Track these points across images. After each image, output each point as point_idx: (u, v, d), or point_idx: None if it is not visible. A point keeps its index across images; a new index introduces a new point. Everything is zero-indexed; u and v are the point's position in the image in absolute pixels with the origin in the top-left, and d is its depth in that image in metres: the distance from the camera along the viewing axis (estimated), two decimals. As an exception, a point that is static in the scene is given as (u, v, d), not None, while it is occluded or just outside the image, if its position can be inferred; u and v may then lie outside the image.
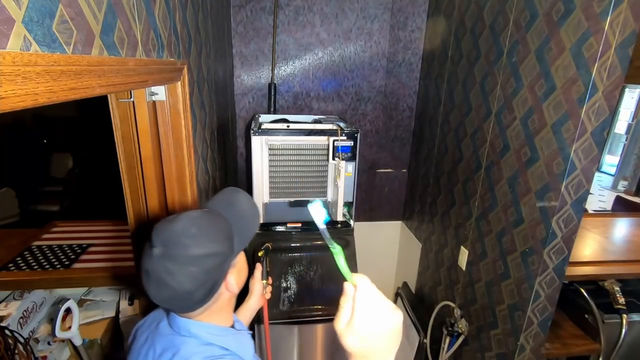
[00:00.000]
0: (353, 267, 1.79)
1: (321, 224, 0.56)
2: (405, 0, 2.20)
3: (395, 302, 2.55)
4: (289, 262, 1.66)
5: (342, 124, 1.81)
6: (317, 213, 0.58)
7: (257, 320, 1.18)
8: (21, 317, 1.61)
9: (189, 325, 0.73)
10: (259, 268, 1.08)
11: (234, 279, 0.74)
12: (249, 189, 1.68)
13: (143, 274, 0.67)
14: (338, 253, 0.54)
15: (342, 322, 0.50)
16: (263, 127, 1.73)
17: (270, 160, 1.71)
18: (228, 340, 0.75)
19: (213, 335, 0.74)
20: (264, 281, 1.11)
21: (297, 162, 1.71)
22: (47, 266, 1.69)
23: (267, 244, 1.29)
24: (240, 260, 0.78)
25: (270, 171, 1.72)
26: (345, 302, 0.51)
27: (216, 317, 0.76)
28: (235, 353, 0.74)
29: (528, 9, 1.29)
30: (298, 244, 1.71)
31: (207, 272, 0.67)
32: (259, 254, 1.23)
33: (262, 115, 2.09)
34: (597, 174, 4.37)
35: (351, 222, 1.77)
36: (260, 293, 1.07)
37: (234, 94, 2.24)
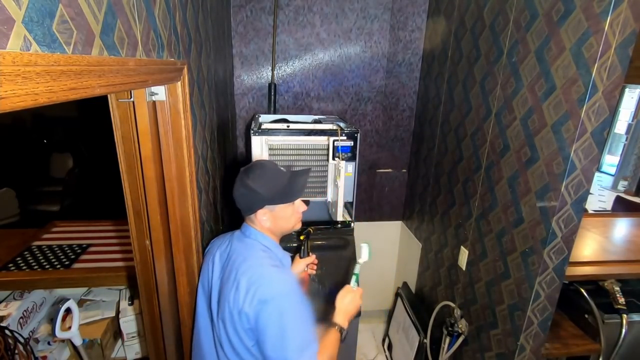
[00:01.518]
0: (353, 268, 1.79)
1: (360, 261, 1.26)
2: (405, 0, 2.20)
3: (395, 302, 2.55)
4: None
5: (342, 124, 1.81)
6: (365, 253, 1.28)
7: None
8: (21, 317, 1.61)
9: (256, 232, 1.12)
10: (298, 254, 1.40)
11: (267, 218, 1.09)
12: (249, 189, 1.67)
13: (234, 185, 1.10)
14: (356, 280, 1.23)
15: (349, 288, 1.20)
16: (263, 127, 1.73)
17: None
18: (276, 250, 1.14)
19: (268, 243, 1.12)
20: (302, 260, 1.39)
21: (297, 162, 1.71)
22: (47, 266, 1.69)
23: (308, 229, 1.47)
24: (282, 211, 1.11)
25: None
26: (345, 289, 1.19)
27: (268, 231, 1.13)
28: (281, 260, 1.13)
29: (528, 9, 1.29)
30: (298, 244, 1.70)
31: (245, 196, 1.07)
32: (301, 237, 1.44)
33: (262, 115, 2.09)
34: (597, 174, 4.37)
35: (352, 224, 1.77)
36: (299, 270, 1.38)
37: (234, 94, 2.24)
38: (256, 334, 0.96)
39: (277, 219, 1.12)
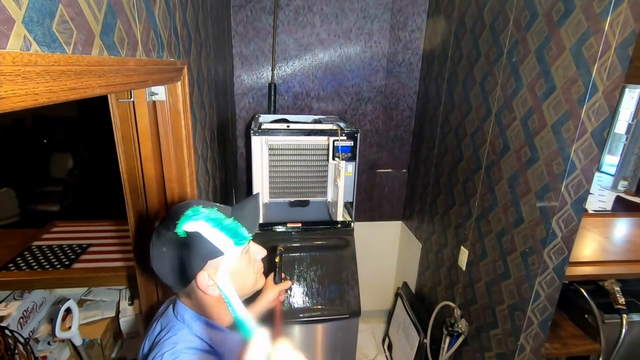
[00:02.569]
0: (353, 267, 1.79)
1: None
2: (405, 0, 2.20)
3: (395, 302, 2.55)
4: (289, 262, 1.66)
5: (342, 124, 1.81)
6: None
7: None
8: (21, 317, 1.61)
9: (185, 312, 0.75)
10: (271, 276, 1.09)
11: (212, 284, 0.70)
12: (249, 189, 1.67)
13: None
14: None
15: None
16: (263, 127, 1.73)
17: (270, 161, 1.71)
18: (217, 339, 0.74)
19: (202, 328, 0.74)
20: (276, 283, 1.10)
21: (297, 162, 1.71)
22: (47, 266, 1.69)
23: (279, 248, 1.23)
24: (240, 266, 0.75)
25: (270, 171, 1.72)
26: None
27: (208, 313, 0.76)
28: (221, 354, 0.73)
29: (528, 9, 1.29)
30: (298, 244, 1.71)
31: (171, 258, 0.68)
32: (276, 259, 1.19)
33: (262, 115, 2.09)
34: (597, 174, 4.36)
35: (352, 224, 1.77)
36: (272, 297, 1.07)
37: (234, 94, 2.24)
38: None
39: (239, 278, 0.76)
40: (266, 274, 0.98)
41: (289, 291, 1.16)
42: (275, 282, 1.10)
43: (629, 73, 1.02)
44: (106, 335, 1.76)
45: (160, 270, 0.72)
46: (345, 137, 1.66)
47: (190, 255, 0.68)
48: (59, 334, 1.38)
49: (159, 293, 1.22)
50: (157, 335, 0.74)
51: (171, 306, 0.79)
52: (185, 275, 0.70)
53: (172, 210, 0.72)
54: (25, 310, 1.64)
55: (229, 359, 0.73)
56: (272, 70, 2.21)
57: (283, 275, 1.16)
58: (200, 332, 0.73)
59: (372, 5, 2.18)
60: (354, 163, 1.71)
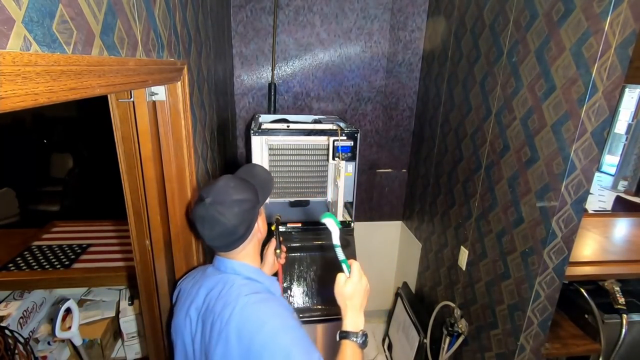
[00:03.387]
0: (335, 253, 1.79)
1: (336, 240, 0.97)
2: (405, 0, 2.20)
3: (395, 302, 2.55)
4: (289, 262, 1.66)
5: (342, 124, 1.81)
6: (332, 227, 0.96)
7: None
8: (21, 317, 1.61)
9: (233, 264, 0.94)
10: (272, 242, 1.23)
11: (261, 223, 0.98)
12: (249, 189, 1.67)
13: (197, 220, 0.88)
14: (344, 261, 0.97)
15: (343, 279, 0.95)
16: (263, 127, 1.73)
17: (270, 161, 1.71)
18: (261, 278, 0.96)
19: (251, 272, 0.94)
20: (278, 250, 1.22)
21: (297, 162, 1.71)
22: (47, 266, 1.69)
23: (276, 217, 1.35)
24: (262, 214, 1.00)
25: (270, 171, 1.72)
26: (340, 282, 0.95)
27: (250, 258, 0.97)
28: (269, 289, 0.94)
29: (528, 9, 1.29)
30: (298, 244, 1.70)
31: (245, 212, 0.89)
32: (272, 227, 1.26)
33: (262, 115, 2.09)
34: (597, 174, 4.37)
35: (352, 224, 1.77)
36: (272, 261, 1.23)
37: (234, 94, 2.24)
38: None
39: (263, 223, 1.00)
40: (265, 243, 1.20)
41: (284, 254, 1.27)
42: (276, 248, 1.23)
43: (629, 73, 1.02)
44: (106, 335, 1.76)
45: (229, 229, 0.87)
46: (345, 137, 1.66)
47: (252, 211, 0.91)
48: (59, 334, 1.38)
49: (158, 293, 1.22)
50: (208, 295, 0.90)
51: (209, 269, 0.98)
52: (253, 223, 0.92)
53: (213, 184, 0.90)
54: (25, 310, 1.64)
55: (274, 292, 0.96)
56: (272, 70, 2.21)
57: (282, 239, 1.29)
58: (250, 275, 0.93)
59: (372, 5, 2.18)
60: (354, 163, 1.71)
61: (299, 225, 1.73)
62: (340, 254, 0.98)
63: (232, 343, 0.80)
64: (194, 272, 1.05)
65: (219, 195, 0.87)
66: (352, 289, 0.92)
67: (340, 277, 0.95)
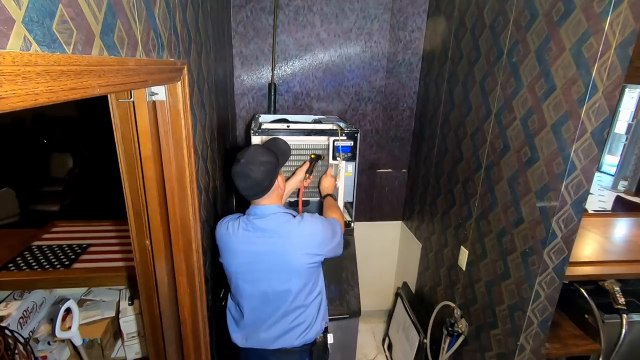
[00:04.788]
0: (353, 267, 1.79)
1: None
2: (405, 0, 2.20)
3: (395, 302, 2.55)
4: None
5: (342, 124, 1.81)
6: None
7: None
8: (21, 317, 1.61)
9: (269, 207, 1.25)
10: (306, 164, 1.61)
11: (281, 181, 1.28)
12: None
13: (234, 175, 1.20)
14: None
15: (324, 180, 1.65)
16: (263, 127, 1.73)
17: (270, 160, 1.71)
18: (289, 210, 1.32)
19: (282, 209, 1.28)
20: (307, 174, 1.59)
21: (297, 162, 1.71)
22: (47, 266, 1.69)
23: (320, 154, 1.69)
24: (282, 175, 1.30)
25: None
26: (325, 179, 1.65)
27: (277, 201, 1.29)
28: (295, 214, 1.30)
29: (528, 9, 1.29)
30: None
31: (268, 170, 1.20)
32: (312, 156, 1.66)
33: (262, 115, 2.09)
34: (597, 174, 4.36)
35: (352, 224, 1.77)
36: (300, 178, 1.58)
37: (234, 94, 2.24)
38: (319, 249, 1.25)
39: (282, 182, 1.31)
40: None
41: (310, 180, 1.63)
42: (307, 171, 1.59)
43: (629, 73, 1.02)
44: (106, 335, 1.77)
45: (257, 180, 1.19)
46: (345, 137, 1.66)
47: (274, 170, 1.23)
48: (59, 334, 1.38)
49: (158, 293, 1.22)
50: (267, 228, 1.23)
51: (249, 218, 1.26)
52: (271, 182, 1.23)
53: (245, 150, 1.23)
54: (25, 310, 1.64)
55: (295, 213, 1.33)
56: (272, 70, 2.21)
57: (313, 165, 1.64)
58: (280, 209, 1.27)
59: (372, 5, 2.18)
60: (354, 163, 1.71)
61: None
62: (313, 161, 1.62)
63: (296, 242, 1.23)
64: (230, 221, 1.30)
65: (250, 157, 1.19)
66: (329, 181, 1.64)
67: (324, 179, 1.64)
